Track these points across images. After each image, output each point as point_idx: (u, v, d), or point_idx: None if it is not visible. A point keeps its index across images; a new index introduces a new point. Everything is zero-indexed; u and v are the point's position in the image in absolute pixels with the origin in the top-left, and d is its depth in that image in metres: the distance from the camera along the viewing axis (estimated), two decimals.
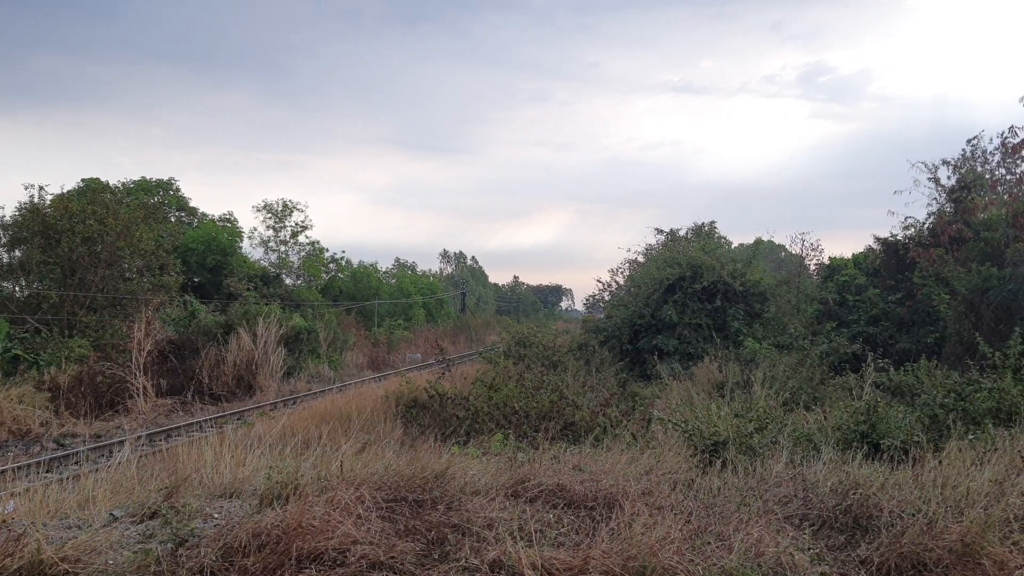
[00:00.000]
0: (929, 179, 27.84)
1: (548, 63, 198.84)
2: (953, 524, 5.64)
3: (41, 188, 28.64)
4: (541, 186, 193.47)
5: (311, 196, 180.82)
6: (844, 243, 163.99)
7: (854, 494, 6.41)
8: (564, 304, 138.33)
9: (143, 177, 45.07)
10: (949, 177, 27.76)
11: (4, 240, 27.60)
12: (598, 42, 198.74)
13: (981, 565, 5.26)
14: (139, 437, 16.90)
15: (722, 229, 48.77)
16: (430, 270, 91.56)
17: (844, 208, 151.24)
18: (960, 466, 7.52)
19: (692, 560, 5.04)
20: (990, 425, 9.83)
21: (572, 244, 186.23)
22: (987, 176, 28.39)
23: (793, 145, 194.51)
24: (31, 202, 27.92)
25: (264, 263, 46.95)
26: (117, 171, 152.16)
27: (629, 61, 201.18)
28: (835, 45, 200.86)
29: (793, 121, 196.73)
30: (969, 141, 29.92)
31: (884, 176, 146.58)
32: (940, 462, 7.72)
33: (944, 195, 27.16)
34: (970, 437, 9.11)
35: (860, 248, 29.55)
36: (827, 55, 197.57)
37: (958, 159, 28.90)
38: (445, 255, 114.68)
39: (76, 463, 15.01)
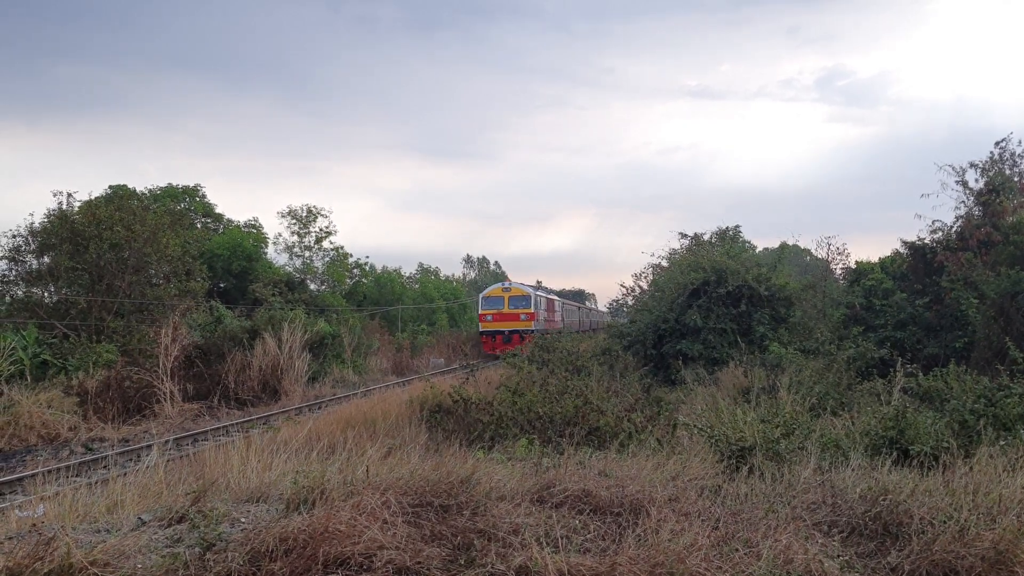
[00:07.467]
0: (956, 182, 27.63)
1: (564, 68, 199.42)
2: (985, 531, 5.55)
3: (69, 195, 28.97)
4: (559, 190, 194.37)
5: (330, 201, 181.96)
6: (864, 247, 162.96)
7: (884, 501, 6.33)
8: None
9: (169, 184, 45.65)
10: (977, 180, 27.51)
11: (33, 246, 27.90)
12: (613, 47, 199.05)
13: (1015, 573, 5.18)
14: (166, 441, 17.00)
15: (744, 233, 48.59)
16: (453, 275, 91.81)
17: (864, 212, 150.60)
18: (992, 472, 7.43)
19: (720, 567, 5.00)
20: (1022, 431, 9.70)
21: (592, 248, 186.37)
22: (1016, 179, 28.04)
23: (812, 149, 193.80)
24: (59, 209, 28.19)
25: (289, 268, 47.19)
26: (142, 178, 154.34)
27: (645, 66, 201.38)
28: (852, 49, 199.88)
29: (811, 125, 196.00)
30: (997, 143, 29.59)
31: (904, 180, 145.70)
32: (971, 468, 7.62)
33: (972, 198, 26.91)
34: (1001, 443, 8.99)
35: (882, 252, 29.34)
36: (845, 59, 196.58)
37: (986, 162, 28.60)
38: (468, 260, 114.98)
39: (104, 467, 15.13)
